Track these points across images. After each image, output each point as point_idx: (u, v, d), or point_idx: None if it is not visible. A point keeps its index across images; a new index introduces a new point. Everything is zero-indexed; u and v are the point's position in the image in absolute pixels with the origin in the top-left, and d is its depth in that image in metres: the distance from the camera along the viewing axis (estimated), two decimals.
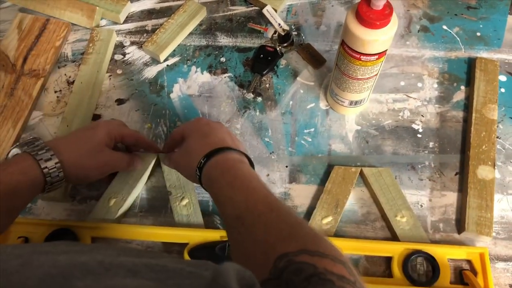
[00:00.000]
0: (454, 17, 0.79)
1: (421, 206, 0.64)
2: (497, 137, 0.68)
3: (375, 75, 0.61)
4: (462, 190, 0.64)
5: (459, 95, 0.72)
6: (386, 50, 0.58)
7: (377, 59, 0.58)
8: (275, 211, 0.44)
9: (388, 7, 0.54)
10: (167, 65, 0.75)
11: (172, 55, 0.76)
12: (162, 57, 0.74)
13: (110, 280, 0.31)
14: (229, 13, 0.80)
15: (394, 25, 0.55)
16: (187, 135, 0.56)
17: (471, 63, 0.74)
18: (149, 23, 0.79)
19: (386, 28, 0.55)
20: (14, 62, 0.73)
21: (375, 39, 0.55)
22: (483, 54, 0.75)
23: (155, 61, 0.75)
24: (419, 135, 0.69)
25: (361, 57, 0.57)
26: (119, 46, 0.77)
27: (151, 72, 0.74)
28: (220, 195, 0.48)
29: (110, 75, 0.74)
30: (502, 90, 0.72)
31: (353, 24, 0.55)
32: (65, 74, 0.74)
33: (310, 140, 0.68)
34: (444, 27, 0.78)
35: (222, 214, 0.48)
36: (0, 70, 0.72)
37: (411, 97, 0.72)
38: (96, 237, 0.61)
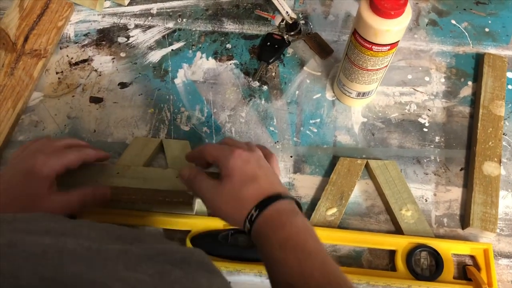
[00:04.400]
0: (463, 12, 0.78)
1: (426, 200, 0.63)
2: (504, 134, 0.68)
3: (385, 66, 0.61)
4: (467, 185, 0.64)
5: (466, 91, 0.71)
6: (398, 41, 0.57)
7: (388, 50, 0.57)
8: (333, 285, 0.39)
9: None
10: (172, 50, 0.73)
11: (177, 39, 0.74)
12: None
13: (104, 268, 0.30)
14: None
15: (408, 15, 0.54)
16: (228, 172, 0.47)
17: (479, 58, 0.74)
18: (154, 6, 0.77)
19: (400, 19, 0.54)
20: (15, 41, 0.71)
21: (388, 29, 0.54)
22: (491, 50, 0.75)
23: (159, 45, 0.74)
24: (425, 129, 0.68)
25: (373, 47, 0.56)
26: (123, 29, 0.75)
27: (155, 56, 0.73)
28: (269, 257, 0.43)
29: (113, 58, 0.72)
30: (510, 87, 0.71)
31: (367, 13, 0.54)
32: (67, 55, 0.72)
33: (315, 130, 0.68)
34: (453, 21, 0.77)
35: (270, 279, 0.43)
36: (0, 49, 0.70)
37: (418, 91, 0.71)
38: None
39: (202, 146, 0.52)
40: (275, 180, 0.48)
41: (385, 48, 0.56)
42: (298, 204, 0.47)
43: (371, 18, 0.54)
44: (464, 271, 0.58)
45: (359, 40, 0.57)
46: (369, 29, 0.55)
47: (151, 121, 0.67)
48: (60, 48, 0.73)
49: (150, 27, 0.75)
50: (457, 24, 0.77)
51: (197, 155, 0.53)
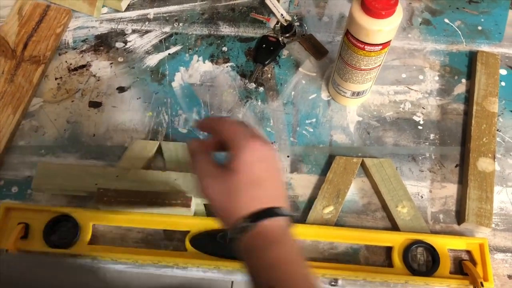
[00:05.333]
0: (455, 10, 0.79)
1: (422, 197, 0.64)
2: (497, 130, 0.68)
3: (378, 65, 0.62)
4: (462, 181, 0.65)
5: (460, 88, 0.72)
6: (390, 41, 0.58)
7: (381, 49, 0.58)
8: None
9: None
10: (169, 54, 0.74)
11: (174, 43, 0.75)
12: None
13: None
14: (231, 2, 0.80)
15: (399, 15, 0.55)
16: (236, 165, 0.42)
17: (472, 56, 0.75)
18: (151, 11, 0.78)
19: (391, 18, 0.55)
20: (14, 48, 0.72)
21: (380, 29, 0.55)
22: (484, 48, 0.76)
23: (156, 49, 0.75)
24: (420, 127, 0.69)
25: (365, 47, 0.57)
26: (121, 34, 0.76)
27: (152, 60, 0.74)
28: (257, 275, 0.41)
29: (111, 63, 0.73)
30: (503, 83, 0.72)
31: (358, 14, 0.55)
32: (66, 61, 0.73)
33: (311, 130, 0.68)
34: (446, 20, 0.78)
35: None
36: (0, 56, 0.71)
37: (412, 89, 0.72)
38: (97, 224, 0.61)
39: (220, 118, 0.47)
40: (279, 189, 0.45)
41: (377, 47, 0.57)
42: (292, 219, 0.45)
43: (362, 19, 0.55)
44: (460, 266, 0.59)
45: (351, 40, 0.58)
46: (361, 29, 0.55)
47: (150, 124, 0.68)
48: (59, 54, 0.74)
49: (147, 32, 0.76)
50: (450, 23, 0.78)
51: (213, 125, 0.46)
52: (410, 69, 0.74)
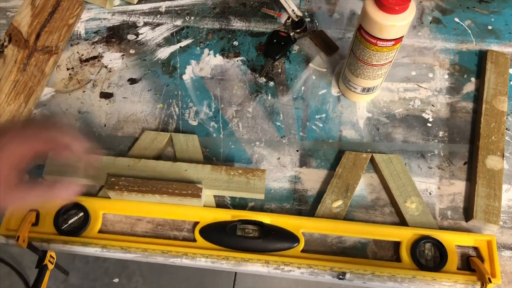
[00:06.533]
0: (466, 10, 0.80)
1: (430, 193, 0.64)
2: (506, 129, 0.69)
3: (389, 61, 0.62)
4: (471, 179, 0.65)
5: (469, 87, 0.73)
6: (402, 37, 0.58)
7: (393, 45, 0.58)
8: None
9: None
10: (180, 47, 0.75)
11: (185, 37, 0.76)
12: None
13: None
14: None
15: (412, 11, 0.55)
16: None
17: (481, 55, 0.75)
18: (163, 5, 0.79)
19: (404, 14, 0.55)
20: (27, 38, 0.73)
21: (393, 24, 0.55)
22: (494, 47, 0.76)
23: (168, 42, 0.75)
24: (429, 124, 0.69)
25: (378, 42, 0.58)
26: (132, 26, 0.77)
27: (164, 53, 0.74)
28: None
29: (123, 55, 0.74)
30: None
31: (372, 9, 0.55)
32: (78, 52, 0.74)
33: (321, 125, 0.69)
34: (456, 19, 0.79)
35: None
36: (13, 46, 0.72)
37: (422, 87, 0.72)
38: (107, 213, 0.61)
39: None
40: None
41: (389, 43, 0.58)
42: None
43: (376, 14, 0.55)
44: (468, 262, 0.59)
45: (364, 35, 0.58)
46: (374, 24, 0.56)
47: (160, 116, 0.69)
48: (71, 45, 0.75)
49: (158, 24, 0.77)
50: (460, 22, 0.78)
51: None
52: (420, 67, 0.74)
